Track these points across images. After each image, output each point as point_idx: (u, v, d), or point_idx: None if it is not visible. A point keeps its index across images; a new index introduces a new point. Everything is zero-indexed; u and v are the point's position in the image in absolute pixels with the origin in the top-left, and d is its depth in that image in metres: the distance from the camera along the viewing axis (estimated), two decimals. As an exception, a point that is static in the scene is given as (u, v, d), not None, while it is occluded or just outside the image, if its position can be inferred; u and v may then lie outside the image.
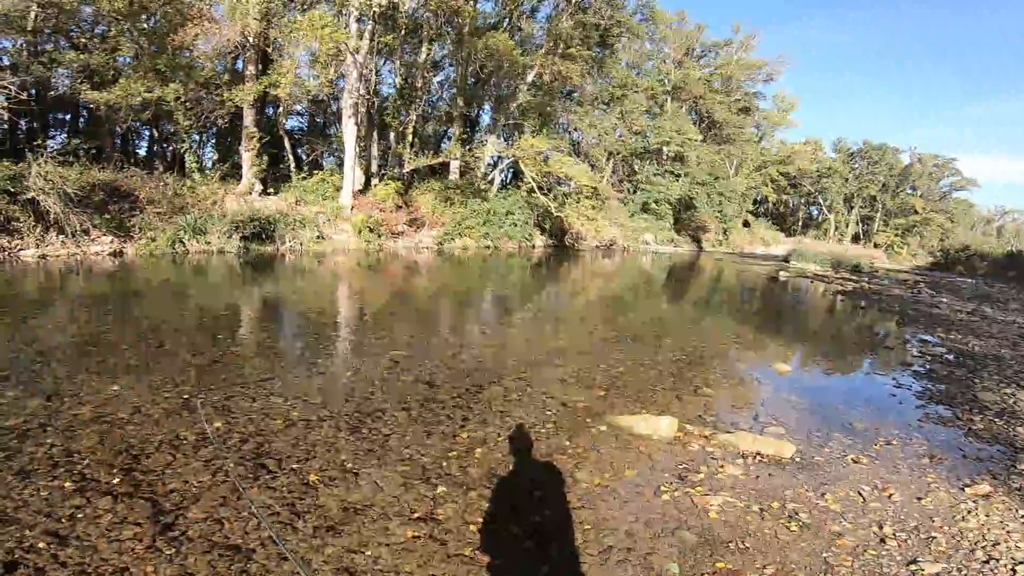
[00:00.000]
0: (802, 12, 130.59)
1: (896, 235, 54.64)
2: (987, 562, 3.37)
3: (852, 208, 57.39)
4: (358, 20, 19.77)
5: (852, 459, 4.84)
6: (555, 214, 26.55)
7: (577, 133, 35.52)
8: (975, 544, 3.57)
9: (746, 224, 51.13)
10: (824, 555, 3.37)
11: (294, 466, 3.94)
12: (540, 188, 25.72)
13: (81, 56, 17.80)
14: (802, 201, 61.69)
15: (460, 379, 6.21)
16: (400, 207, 22.74)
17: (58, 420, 4.36)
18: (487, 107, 31.77)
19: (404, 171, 24.88)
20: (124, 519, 3.18)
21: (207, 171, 20.56)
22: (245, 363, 6.20)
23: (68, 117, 23.44)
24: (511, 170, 31.89)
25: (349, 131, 20.76)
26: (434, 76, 28.01)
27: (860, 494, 4.18)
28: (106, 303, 8.63)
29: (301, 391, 5.43)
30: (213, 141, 26.25)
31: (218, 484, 3.62)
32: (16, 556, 2.82)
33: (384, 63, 26.42)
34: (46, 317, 7.70)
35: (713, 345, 9.07)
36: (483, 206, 25.48)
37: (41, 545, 2.91)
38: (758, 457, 4.71)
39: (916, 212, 54.11)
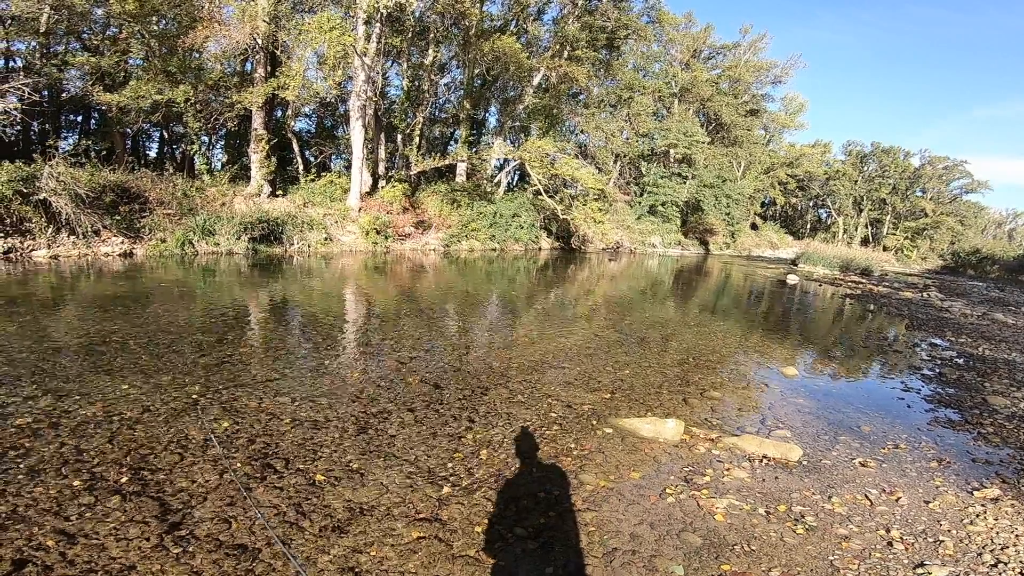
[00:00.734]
0: (811, 13, 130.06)
1: (906, 238, 54.21)
2: (995, 565, 3.34)
3: (861, 211, 57.00)
4: (366, 22, 19.87)
5: (860, 462, 4.81)
6: (561, 216, 26.52)
7: (584, 135, 35.52)
8: (983, 547, 3.54)
9: (754, 227, 50.95)
10: (830, 558, 3.35)
11: (300, 466, 3.96)
12: (546, 190, 25.72)
13: (92, 58, 18.00)
14: (811, 204, 61.36)
15: (466, 380, 6.22)
16: (407, 209, 22.82)
17: (68, 419, 4.41)
18: (493, 109, 31.85)
19: (411, 173, 24.97)
20: (132, 518, 3.21)
21: (216, 173, 20.75)
22: (253, 363, 6.24)
23: (80, 119, 23.74)
24: (517, 172, 31.92)
25: (357, 133, 20.85)
26: (441, 78, 28.09)
27: (867, 497, 4.15)
28: (116, 303, 8.71)
29: (308, 391, 5.46)
30: (222, 143, 26.47)
31: (225, 484, 3.65)
32: (25, 554, 2.85)
33: (391, 65, 26.53)
34: (57, 317, 7.78)
35: (720, 348, 9.03)
36: (489, 208, 25.51)
37: (50, 543, 2.94)
38: (764, 460, 4.69)
39: (926, 215, 53.68)
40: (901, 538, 3.61)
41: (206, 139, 23.35)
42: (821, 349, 10.09)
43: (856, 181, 55.44)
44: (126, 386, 5.19)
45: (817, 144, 55.63)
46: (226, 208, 17.59)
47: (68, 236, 13.38)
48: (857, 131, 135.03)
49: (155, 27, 18.92)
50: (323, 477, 3.83)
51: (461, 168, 27.63)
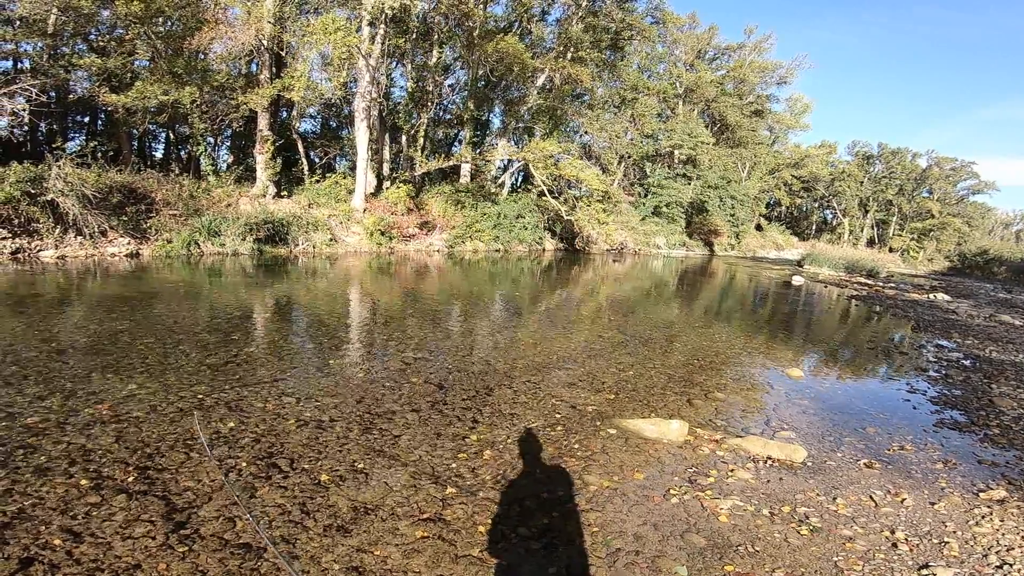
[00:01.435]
0: (816, 14, 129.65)
1: (912, 239, 53.94)
2: (1000, 567, 3.32)
3: (867, 212, 56.76)
4: (370, 24, 19.93)
5: (864, 464, 4.80)
6: (565, 217, 26.53)
7: (588, 136, 35.48)
8: (988, 549, 3.52)
9: (759, 228, 50.79)
10: (834, 559, 3.34)
11: (306, 466, 3.98)
12: (550, 191, 25.73)
13: (99, 59, 18.12)
14: (816, 205, 61.12)
15: (470, 381, 6.23)
16: (411, 210, 22.86)
17: (75, 418, 4.45)
18: (497, 110, 31.84)
19: (415, 174, 25.02)
20: (138, 517, 3.23)
21: (222, 174, 20.85)
22: (258, 363, 6.27)
23: (86, 120, 23.88)
24: (521, 173, 31.96)
25: (361, 134, 20.92)
26: (445, 79, 28.13)
27: (872, 499, 4.14)
28: (123, 304, 8.76)
29: (313, 391, 5.48)
30: (228, 144, 26.61)
31: (231, 483, 3.67)
32: (32, 553, 2.87)
33: (395, 66, 26.60)
34: (65, 317, 7.83)
35: (724, 349, 9.01)
36: (493, 209, 25.53)
37: (56, 542, 2.96)
38: (769, 461, 4.68)
39: (933, 216, 53.39)
40: (906, 539, 3.60)
41: (211, 140, 23.43)
42: (826, 350, 10.06)
43: (862, 182, 55.20)
44: (133, 386, 5.22)
45: (823, 145, 55.41)
46: (231, 209, 17.68)
47: (75, 236, 13.48)
48: (863, 132, 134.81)
49: (161, 28, 19.03)
50: (328, 477, 3.85)
51: (465, 169, 27.68)
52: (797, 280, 23.47)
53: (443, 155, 26.60)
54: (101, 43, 19.61)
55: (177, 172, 18.72)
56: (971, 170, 54.92)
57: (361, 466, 4.04)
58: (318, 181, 22.79)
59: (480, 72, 25.66)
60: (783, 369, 8.00)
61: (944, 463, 4.95)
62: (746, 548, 3.41)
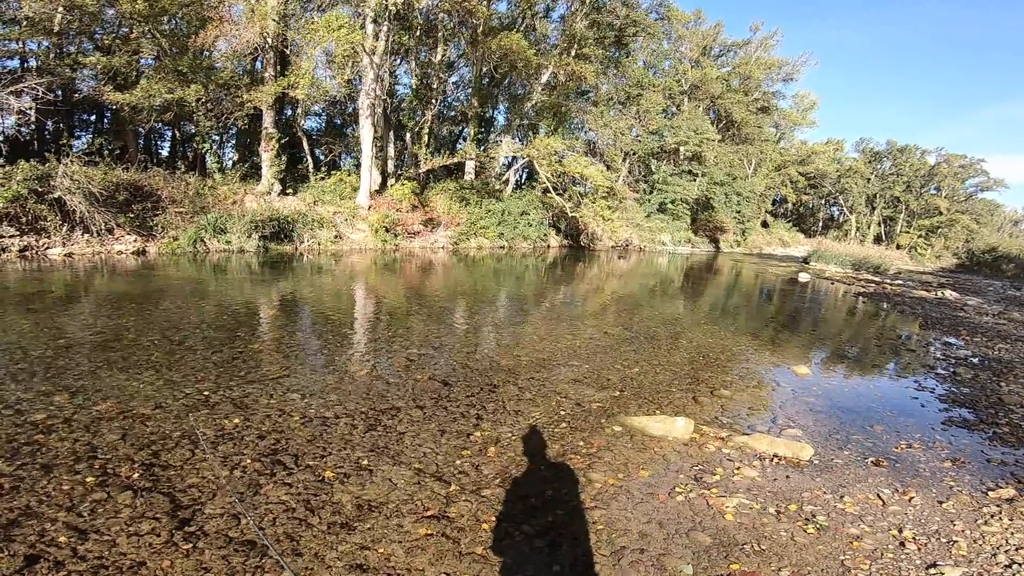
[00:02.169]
0: (825, 12, 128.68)
1: (920, 236, 53.56)
2: (1009, 566, 3.29)
3: (874, 209, 56.40)
4: (374, 21, 19.91)
5: (872, 462, 4.76)
6: (570, 214, 26.47)
7: (592, 133, 35.38)
8: (997, 548, 3.48)
9: (765, 225, 50.57)
10: (841, 558, 3.31)
11: (310, 463, 3.98)
12: (555, 188, 25.68)
13: (104, 58, 18.17)
14: (823, 201, 60.78)
15: (474, 378, 6.23)
16: (416, 207, 22.87)
17: (82, 415, 4.46)
18: (502, 107, 31.83)
19: (420, 171, 25.02)
20: (143, 514, 3.24)
21: (227, 171, 20.90)
22: (263, 360, 6.28)
23: (93, 118, 23.96)
24: (526, 170, 31.89)
25: (366, 131, 20.92)
26: (449, 76, 28.10)
27: (880, 497, 4.11)
28: (129, 301, 8.80)
29: (318, 388, 5.48)
30: (233, 142, 26.65)
31: (235, 480, 3.67)
32: (38, 550, 2.88)
33: (400, 64, 26.60)
34: (71, 314, 7.87)
35: (730, 346, 8.97)
36: (498, 206, 25.51)
37: (62, 539, 2.97)
38: (775, 459, 4.65)
39: (940, 213, 52.99)
40: (914, 538, 3.57)
41: (217, 138, 23.53)
42: (833, 348, 9.99)
43: (869, 179, 54.83)
44: (139, 383, 5.24)
45: (829, 142, 55.09)
46: (237, 206, 17.73)
47: (82, 234, 13.54)
48: (875, 130, 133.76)
49: (165, 27, 19.07)
50: (332, 474, 3.85)
51: (470, 166, 27.66)
52: (803, 277, 23.35)
53: (447, 152, 26.61)
54: (106, 42, 19.66)
55: (183, 170, 18.76)
56: (980, 167, 54.50)
57: (365, 463, 4.04)
58: (323, 178, 22.82)
59: (484, 69, 25.62)
60: (790, 366, 7.96)
61: (953, 462, 4.91)
62: (752, 546, 3.38)
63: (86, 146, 16.90)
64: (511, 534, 3.34)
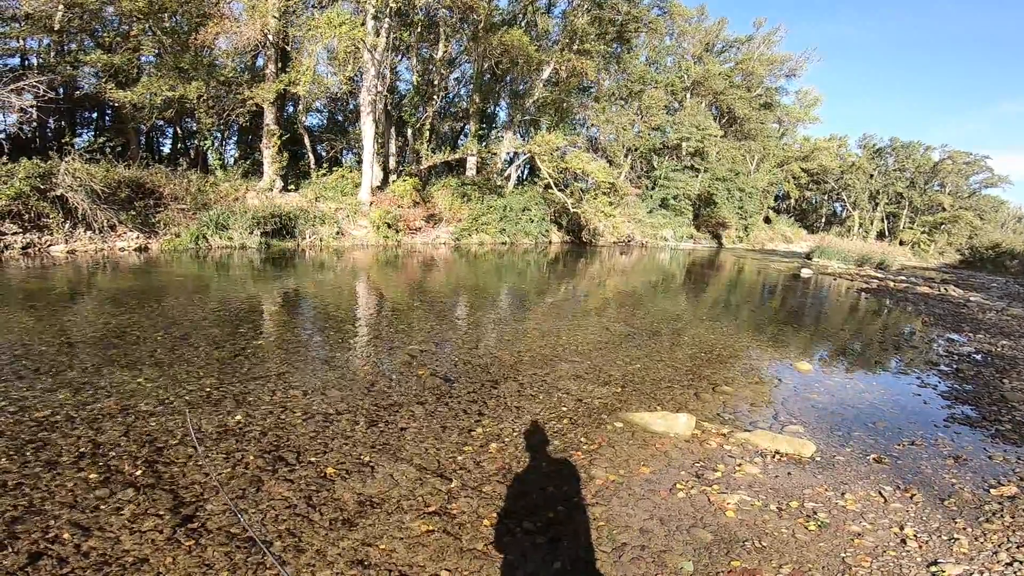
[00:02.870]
0: (833, 8, 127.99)
1: (923, 232, 53.34)
2: (1011, 564, 3.28)
3: (877, 205, 56.19)
4: (375, 17, 19.88)
5: (874, 459, 4.75)
6: (572, 210, 26.43)
7: (594, 129, 35.31)
8: (999, 546, 3.48)
9: (767, 221, 50.41)
10: (843, 555, 3.31)
11: (312, 459, 3.99)
12: (557, 184, 25.64)
13: (105, 56, 18.18)
14: (825, 198, 60.59)
15: (476, 374, 6.23)
16: (418, 203, 22.87)
17: (85, 412, 4.48)
18: (503, 103, 31.75)
19: (421, 167, 25.01)
20: (146, 511, 3.25)
21: (229, 168, 20.95)
22: (266, 357, 6.29)
23: (94, 116, 24.00)
24: (528, 166, 31.84)
25: (367, 128, 20.91)
26: (450, 73, 28.06)
27: (881, 494, 4.10)
28: (131, 298, 8.82)
29: (320, 385, 5.49)
30: (235, 139, 26.70)
31: (237, 476, 3.69)
32: (41, 547, 2.89)
33: (401, 60, 26.55)
34: (74, 311, 7.89)
35: (732, 342, 8.96)
36: (500, 202, 25.48)
37: (66, 536, 2.98)
38: (777, 456, 4.65)
39: (944, 209, 52.78)
40: (915, 536, 3.57)
41: (218, 135, 23.52)
42: (835, 344, 9.97)
43: (872, 175, 54.64)
44: (141, 379, 5.25)
45: (832, 138, 54.87)
46: (239, 203, 17.75)
47: (84, 231, 13.57)
48: (882, 127, 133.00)
49: (166, 24, 19.06)
50: (334, 470, 3.85)
51: (471, 162, 27.64)
52: (806, 273, 23.30)
53: (449, 148, 26.56)
54: (107, 39, 19.66)
55: (185, 167, 18.80)
56: (984, 164, 54.23)
57: (367, 459, 4.05)
58: (325, 175, 22.83)
59: (485, 65, 25.56)
60: (792, 363, 7.94)
61: (955, 459, 4.90)
62: (753, 543, 3.38)
63: (88, 144, 16.94)
64: (512, 530, 3.34)
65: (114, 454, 3.85)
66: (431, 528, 3.30)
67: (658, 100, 36.10)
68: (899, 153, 54.60)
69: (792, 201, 58.32)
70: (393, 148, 25.62)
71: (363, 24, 19.37)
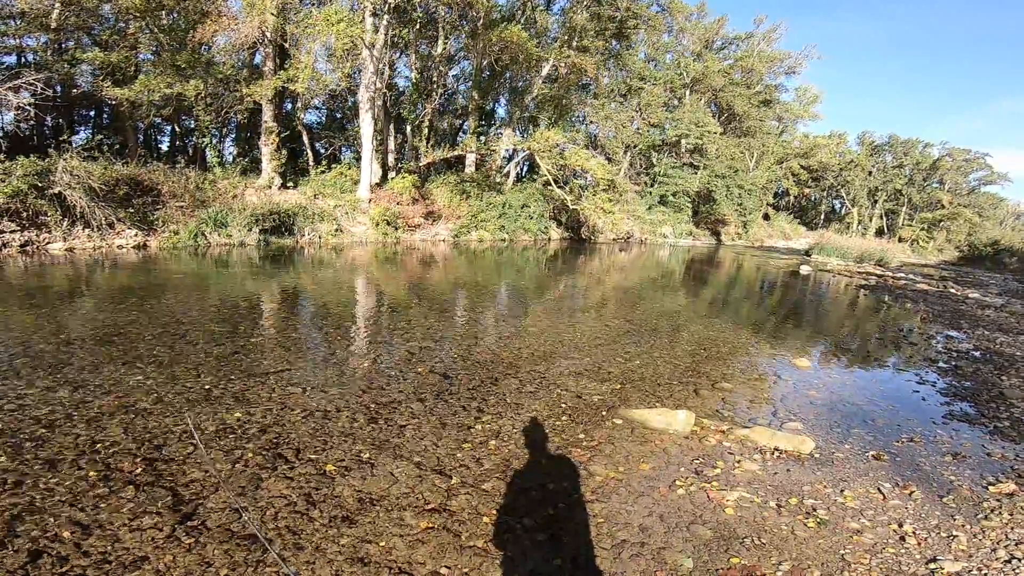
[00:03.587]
0: (833, 5, 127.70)
1: (922, 229, 53.36)
2: (1009, 561, 3.29)
3: (876, 202, 56.17)
4: (373, 14, 19.81)
5: (873, 456, 4.76)
6: (571, 207, 26.40)
7: (594, 126, 35.26)
8: (997, 543, 3.49)
9: (767, 217, 50.42)
10: (841, 552, 3.32)
11: (311, 456, 3.99)
12: (556, 181, 25.58)
13: (102, 54, 18.12)
14: (825, 194, 60.56)
15: (475, 370, 6.23)
16: (417, 200, 22.84)
17: (84, 410, 4.47)
18: (502, 100, 31.71)
19: (421, 164, 24.97)
20: (146, 509, 3.25)
21: (228, 166, 20.90)
22: (265, 354, 6.28)
23: (92, 113, 23.94)
24: (527, 163, 31.80)
25: (366, 125, 20.86)
26: (449, 69, 28.00)
27: (880, 491, 4.11)
28: (130, 295, 8.80)
29: (319, 382, 5.49)
30: (233, 136, 26.63)
31: (237, 474, 3.69)
32: (41, 545, 2.89)
33: (400, 57, 26.49)
34: (73, 309, 7.88)
35: (731, 339, 8.96)
36: (499, 199, 25.46)
37: (66, 534, 2.98)
38: (776, 453, 4.66)
39: (943, 206, 52.78)
40: (914, 532, 3.58)
41: (217, 132, 23.46)
42: (834, 341, 9.98)
43: (870, 172, 54.61)
44: (140, 377, 5.25)
45: (832, 135, 54.82)
46: (238, 200, 17.72)
47: (83, 229, 13.54)
48: (878, 123, 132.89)
49: (163, 22, 19.00)
50: (333, 467, 3.86)
51: (470, 159, 27.59)
52: (805, 270, 23.31)
53: (448, 145, 26.54)
54: (104, 37, 19.60)
55: (183, 164, 18.73)
56: (983, 161, 54.20)
57: (366, 456, 4.05)
58: (323, 172, 22.78)
59: (485, 62, 25.49)
60: (791, 359, 7.95)
61: (953, 456, 4.91)
62: (752, 540, 3.39)
63: (86, 141, 16.89)
64: (512, 527, 3.35)
65: (114, 452, 3.84)
66: (431, 525, 3.30)
67: (657, 97, 36.02)
68: (898, 150, 54.58)
69: (791, 198, 58.27)
70: (392, 145, 25.57)
71: (361, 21, 19.31)
